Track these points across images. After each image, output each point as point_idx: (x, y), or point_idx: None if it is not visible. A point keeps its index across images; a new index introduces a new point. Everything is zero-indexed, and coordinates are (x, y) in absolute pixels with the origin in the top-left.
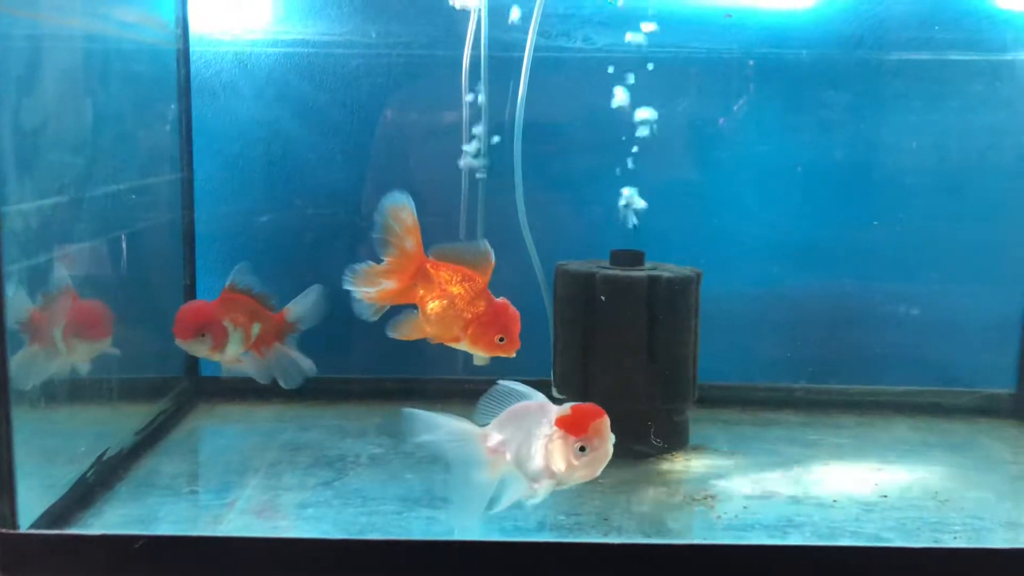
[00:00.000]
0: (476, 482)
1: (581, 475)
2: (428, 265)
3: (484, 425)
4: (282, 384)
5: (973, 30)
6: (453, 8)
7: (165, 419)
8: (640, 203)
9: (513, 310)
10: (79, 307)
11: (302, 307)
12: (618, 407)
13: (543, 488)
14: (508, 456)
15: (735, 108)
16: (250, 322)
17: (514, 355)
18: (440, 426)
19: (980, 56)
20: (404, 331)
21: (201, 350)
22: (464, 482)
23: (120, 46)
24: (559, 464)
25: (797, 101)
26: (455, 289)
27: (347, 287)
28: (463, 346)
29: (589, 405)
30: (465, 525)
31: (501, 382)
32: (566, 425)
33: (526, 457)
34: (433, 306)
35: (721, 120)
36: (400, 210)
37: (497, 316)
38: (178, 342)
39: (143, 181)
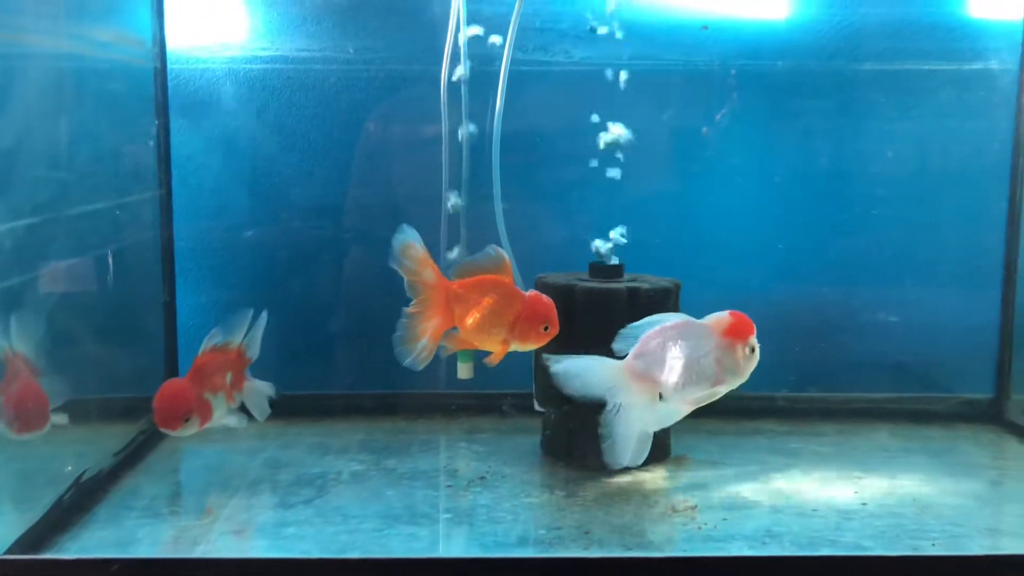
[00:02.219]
0: (629, 409)
1: (746, 376)
2: (455, 287)
3: (623, 356)
4: (257, 417)
5: (945, 40)
6: (430, 23)
7: (145, 439)
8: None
9: (546, 298)
10: (10, 397)
11: (253, 338)
12: (599, 420)
13: (707, 399)
14: (661, 377)
15: (717, 118)
16: (223, 377)
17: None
18: (586, 368)
19: (953, 65)
20: (455, 346)
21: (189, 432)
22: (619, 415)
23: (95, 65)
24: (736, 368)
25: (774, 111)
26: (488, 299)
27: (414, 366)
28: (514, 346)
29: (734, 312)
30: (624, 460)
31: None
32: (736, 333)
33: (693, 371)
34: (473, 320)
35: (705, 130)
36: (408, 247)
37: (535, 308)
38: (167, 432)
39: (120, 199)
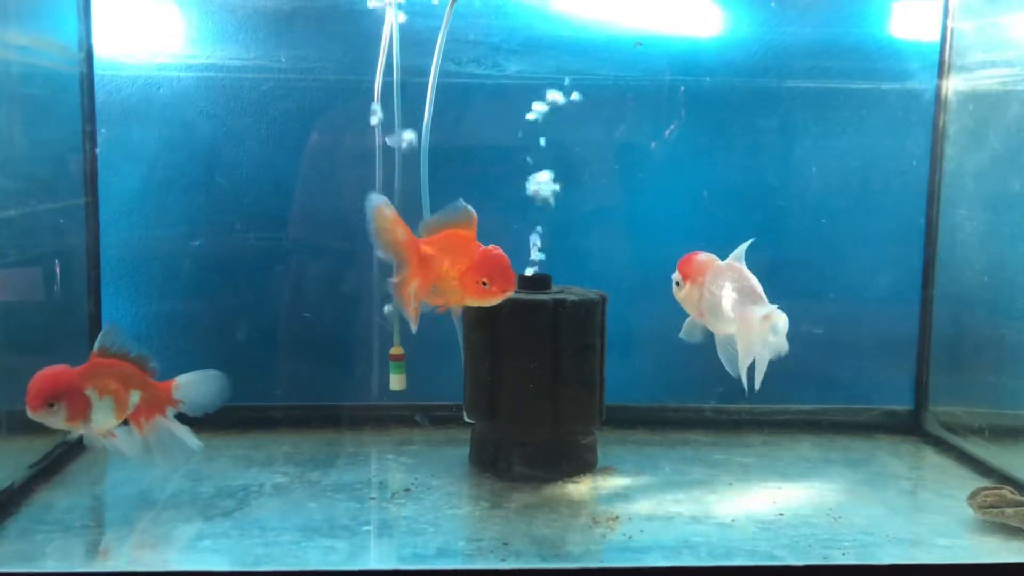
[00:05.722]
0: (744, 343)
1: None
2: (424, 243)
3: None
4: (160, 463)
5: (866, 60)
6: (363, 34)
7: (64, 451)
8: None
9: (497, 254)
10: None
11: (193, 385)
12: (524, 431)
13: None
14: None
15: (666, 134)
16: (125, 390)
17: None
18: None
19: (873, 84)
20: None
21: (55, 422)
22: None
23: (11, 69)
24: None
25: (704, 127)
26: (450, 253)
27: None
28: (470, 301)
29: None
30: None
31: None
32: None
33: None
34: (438, 274)
35: (653, 144)
36: (381, 209)
37: (479, 263)
38: (29, 414)
39: (38, 207)
